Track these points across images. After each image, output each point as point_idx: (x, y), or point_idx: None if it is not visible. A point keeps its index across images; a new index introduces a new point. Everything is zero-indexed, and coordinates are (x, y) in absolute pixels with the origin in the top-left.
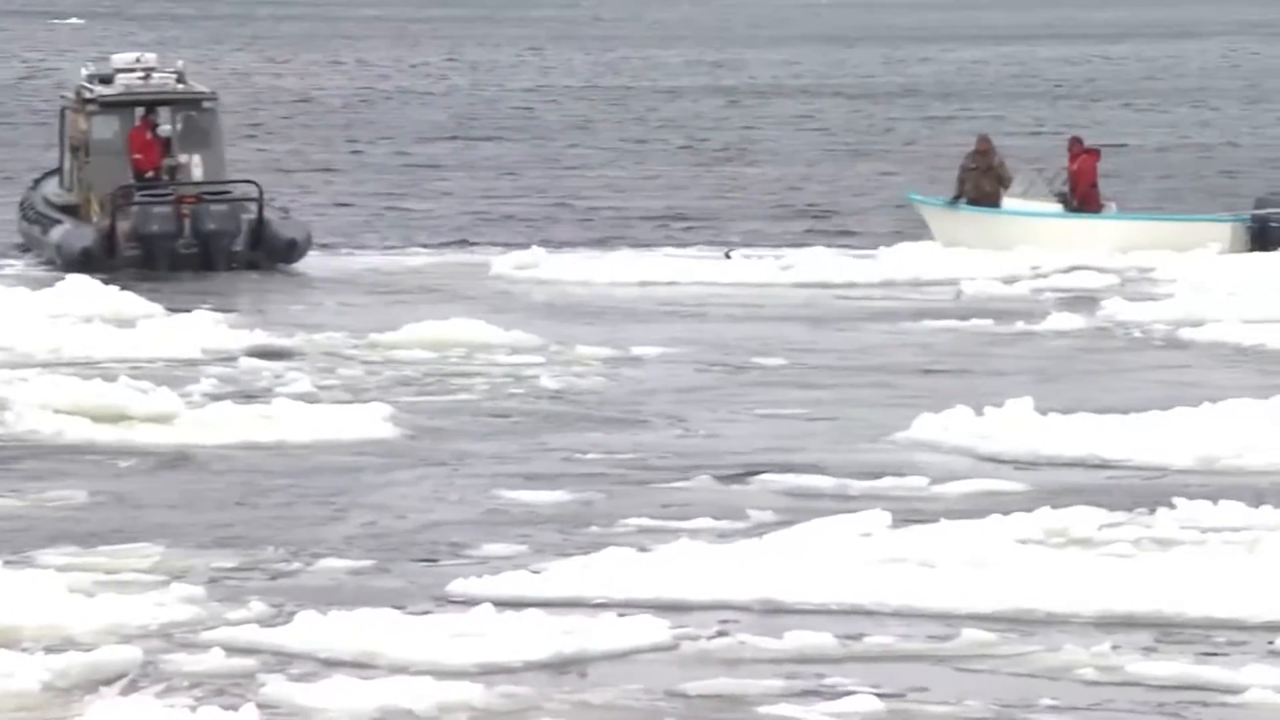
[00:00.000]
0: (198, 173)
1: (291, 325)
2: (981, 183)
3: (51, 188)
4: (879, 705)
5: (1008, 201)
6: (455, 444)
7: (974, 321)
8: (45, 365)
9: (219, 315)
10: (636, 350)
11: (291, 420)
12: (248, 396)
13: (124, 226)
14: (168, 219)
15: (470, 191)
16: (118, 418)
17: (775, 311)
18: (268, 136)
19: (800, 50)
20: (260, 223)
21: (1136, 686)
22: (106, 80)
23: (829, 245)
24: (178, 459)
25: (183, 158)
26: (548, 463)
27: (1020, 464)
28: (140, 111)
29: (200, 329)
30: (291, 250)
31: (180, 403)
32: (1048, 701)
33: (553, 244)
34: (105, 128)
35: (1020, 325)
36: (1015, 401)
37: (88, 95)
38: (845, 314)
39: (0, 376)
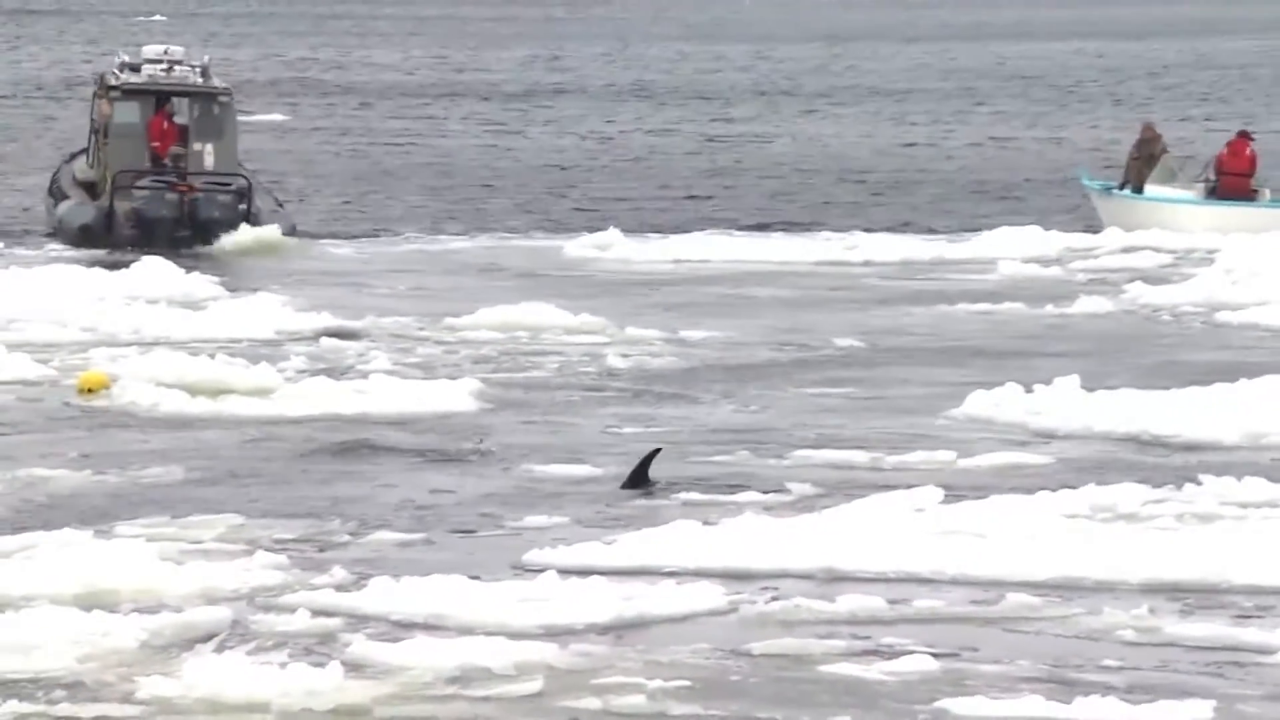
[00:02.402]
0: (209, 161)
1: (358, 308)
2: (1143, 171)
3: (80, 164)
4: (934, 664)
5: (1149, 188)
6: (517, 417)
7: (1015, 305)
8: (129, 345)
9: (283, 298)
10: (704, 331)
11: (385, 394)
12: (339, 372)
13: (126, 207)
14: (173, 205)
15: (540, 178)
16: (218, 392)
17: (841, 293)
18: (326, 128)
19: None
20: (249, 213)
21: (1175, 647)
22: (136, 69)
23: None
24: (263, 432)
25: (196, 146)
26: (596, 438)
27: (1070, 439)
28: (160, 100)
29: (269, 311)
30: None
31: (279, 377)
32: (1095, 660)
33: (628, 227)
34: (128, 113)
35: (1050, 308)
36: (1064, 379)
37: (112, 82)
38: (903, 295)
39: (101, 354)
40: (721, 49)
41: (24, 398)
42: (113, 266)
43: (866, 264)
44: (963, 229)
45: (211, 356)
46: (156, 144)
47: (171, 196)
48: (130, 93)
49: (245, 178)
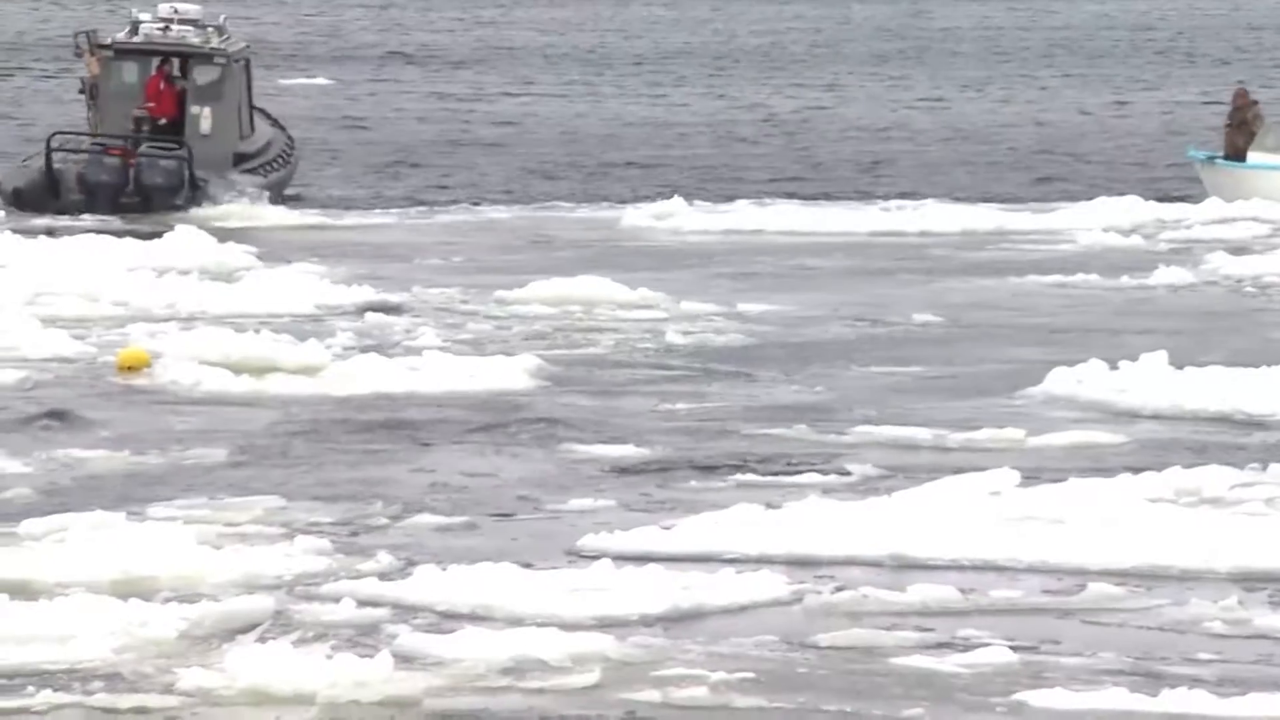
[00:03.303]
0: (205, 125)
1: (403, 281)
2: (1235, 138)
3: None
4: (1011, 657)
5: (1253, 155)
6: (566, 399)
7: (1095, 277)
8: (166, 320)
9: (321, 269)
10: (765, 305)
11: (437, 372)
12: (387, 348)
13: (72, 171)
14: (115, 169)
15: (596, 146)
16: (262, 370)
17: (911, 264)
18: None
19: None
20: (194, 180)
21: (1266, 639)
22: (140, 27)
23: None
24: (308, 412)
25: (193, 110)
26: (648, 418)
27: (1156, 418)
28: (156, 61)
29: (308, 284)
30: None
31: (326, 355)
32: (1182, 653)
33: (682, 195)
34: (125, 73)
35: (1126, 279)
36: (1150, 355)
37: (103, 41)
38: (973, 267)
39: (139, 330)
40: (785, 7)
41: (60, 375)
42: (146, 237)
43: (924, 234)
44: (1052, 198)
45: (256, 332)
46: (151, 105)
47: (112, 160)
48: (123, 52)
49: (187, 146)
